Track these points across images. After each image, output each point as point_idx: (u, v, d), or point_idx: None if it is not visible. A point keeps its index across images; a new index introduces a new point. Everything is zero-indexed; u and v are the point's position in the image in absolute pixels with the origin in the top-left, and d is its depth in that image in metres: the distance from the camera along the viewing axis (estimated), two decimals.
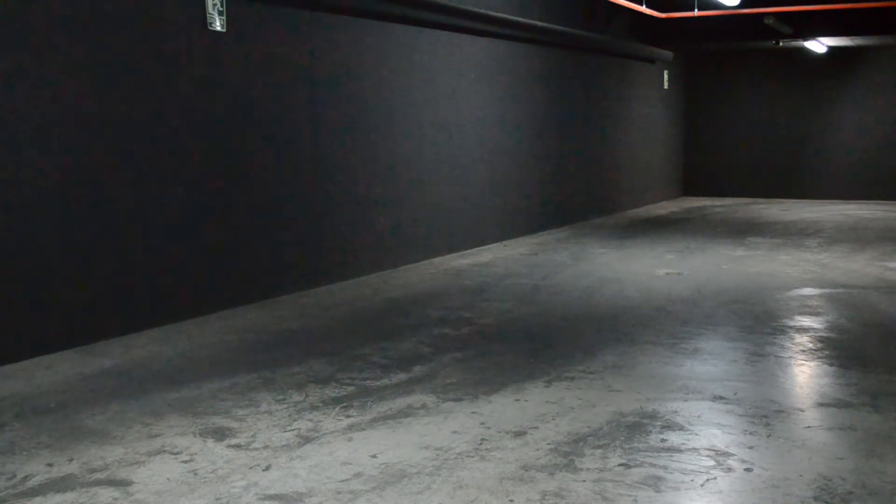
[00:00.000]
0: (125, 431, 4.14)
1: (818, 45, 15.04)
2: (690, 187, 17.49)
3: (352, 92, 8.07)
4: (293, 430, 4.13)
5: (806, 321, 6.36)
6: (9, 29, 5.25)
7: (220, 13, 6.59)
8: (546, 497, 3.36)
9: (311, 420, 4.27)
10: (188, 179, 6.48)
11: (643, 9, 12.62)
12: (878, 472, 3.57)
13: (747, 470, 3.60)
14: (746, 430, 4.06)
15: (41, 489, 3.49)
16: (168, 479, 3.58)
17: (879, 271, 8.43)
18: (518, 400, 4.55)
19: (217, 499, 3.38)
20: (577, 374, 5.02)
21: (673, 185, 17.01)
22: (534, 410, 4.38)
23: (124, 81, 5.96)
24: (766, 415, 4.28)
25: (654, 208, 15.16)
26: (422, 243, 9.21)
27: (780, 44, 14.50)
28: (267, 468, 3.67)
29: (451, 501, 3.33)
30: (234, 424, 4.22)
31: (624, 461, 3.70)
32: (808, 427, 4.15)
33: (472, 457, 3.77)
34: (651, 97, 15.57)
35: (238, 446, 3.93)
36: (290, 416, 4.34)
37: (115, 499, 3.40)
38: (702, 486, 3.46)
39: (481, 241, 10.29)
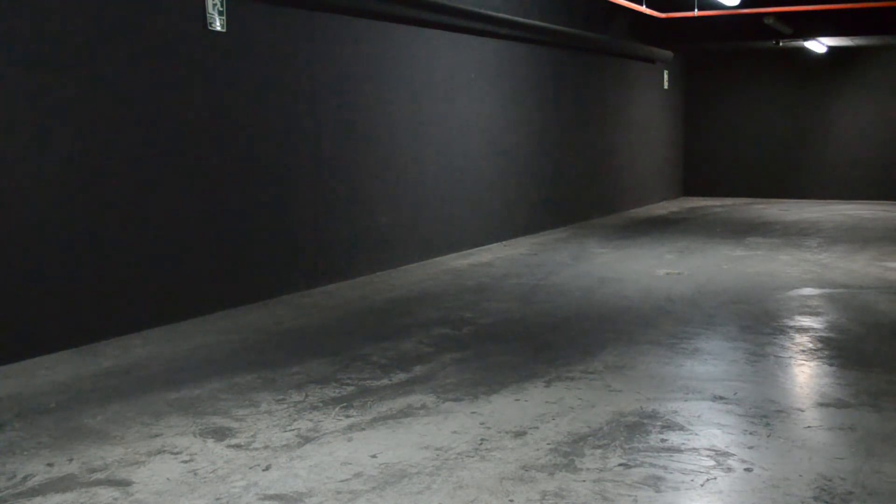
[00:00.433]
0: (125, 431, 4.14)
1: (818, 45, 15.04)
2: (690, 187, 17.49)
3: (352, 92, 8.07)
4: (293, 430, 4.14)
5: (806, 321, 6.36)
6: (9, 29, 5.25)
7: (220, 13, 6.59)
8: (546, 497, 3.36)
9: (311, 420, 4.27)
10: (188, 179, 6.48)
11: (643, 9, 12.62)
12: (877, 472, 3.57)
13: (747, 470, 3.60)
14: (746, 430, 4.07)
15: (41, 489, 3.49)
16: (168, 479, 3.58)
17: (879, 271, 8.43)
18: (518, 400, 4.55)
19: (217, 499, 3.38)
20: (577, 374, 5.02)
21: (673, 185, 17.01)
22: (534, 410, 4.38)
23: (124, 81, 5.95)
24: (766, 415, 4.28)
25: (654, 208, 15.16)
26: (422, 243, 9.21)
27: (780, 44, 14.50)
28: (267, 468, 3.67)
29: (451, 501, 3.33)
30: (234, 424, 4.22)
31: (624, 461, 3.70)
32: (808, 427, 4.15)
33: (472, 457, 3.77)
34: (651, 97, 15.57)
35: (238, 446, 3.93)
36: (290, 416, 4.34)
37: (115, 499, 3.40)
38: (702, 486, 3.46)
39: (481, 241, 10.29)
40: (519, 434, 4.04)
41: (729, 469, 3.62)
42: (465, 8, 9.01)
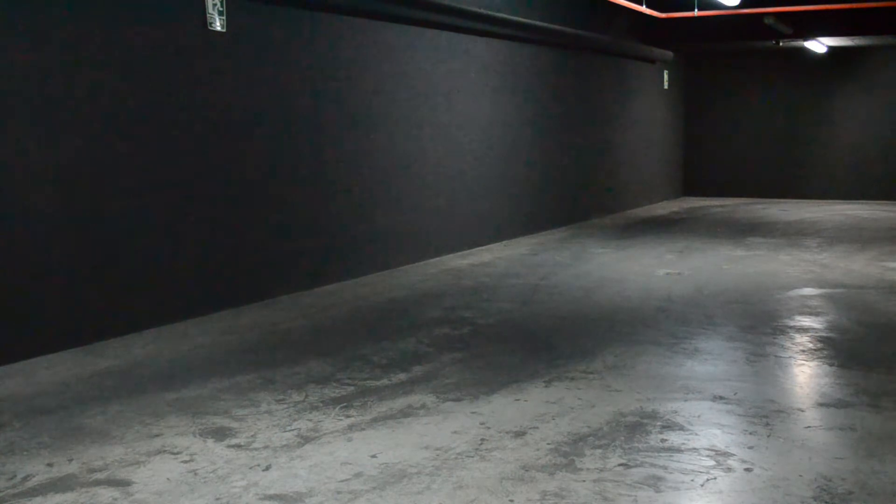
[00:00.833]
0: (125, 431, 4.14)
1: (818, 45, 15.04)
2: (690, 187, 17.49)
3: (352, 92, 8.07)
4: (293, 430, 4.14)
5: (806, 321, 6.36)
6: (9, 29, 5.25)
7: (220, 13, 6.59)
8: (546, 497, 3.36)
9: (311, 420, 4.27)
10: (188, 179, 6.48)
11: (643, 9, 12.62)
12: (877, 473, 3.57)
13: (747, 470, 3.60)
14: (746, 430, 4.07)
15: (41, 489, 3.49)
16: (168, 479, 3.58)
17: (879, 271, 8.43)
18: (518, 400, 4.55)
19: (217, 499, 3.38)
20: (576, 374, 5.02)
21: (673, 185, 17.01)
22: (534, 410, 4.38)
23: (124, 81, 5.95)
24: (766, 415, 4.28)
25: (654, 208, 15.16)
26: (422, 243, 9.21)
27: (780, 44, 14.50)
28: (267, 468, 3.67)
29: (451, 501, 3.33)
30: (234, 424, 4.22)
31: (624, 461, 3.70)
32: (808, 427, 4.15)
33: (472, 457, 3.77)
34: (651, 97, 15.57)
35: (238, 446, 3.93)
36: (290, 416, 4.34)
37: (115, 499, 3.40)
38: (702, 486, 3.46)
39: (481, 241, 10.29)
40: (519, 434, 4.04)
41: (729, 469, 3.62)
42: (465, 8, 9.01)
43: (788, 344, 5.72)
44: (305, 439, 4.00)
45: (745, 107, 17.01)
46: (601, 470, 3.61)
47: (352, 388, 4.79)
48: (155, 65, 6.17)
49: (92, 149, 5.77)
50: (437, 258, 9.38)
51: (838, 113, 16.44)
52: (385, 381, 4.91)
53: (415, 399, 4.58)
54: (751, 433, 4.03)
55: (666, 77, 16.13)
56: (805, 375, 5.07)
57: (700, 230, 11.92)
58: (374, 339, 5.88)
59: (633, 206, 14.96)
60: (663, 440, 3.94)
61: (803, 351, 5.53)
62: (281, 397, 4.63)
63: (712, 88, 17.24)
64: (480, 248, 10.17)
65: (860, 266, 8.73)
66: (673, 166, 16.96)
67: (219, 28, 6.59)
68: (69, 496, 3.43)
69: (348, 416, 4.31)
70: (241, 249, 6.97)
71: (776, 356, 5.41)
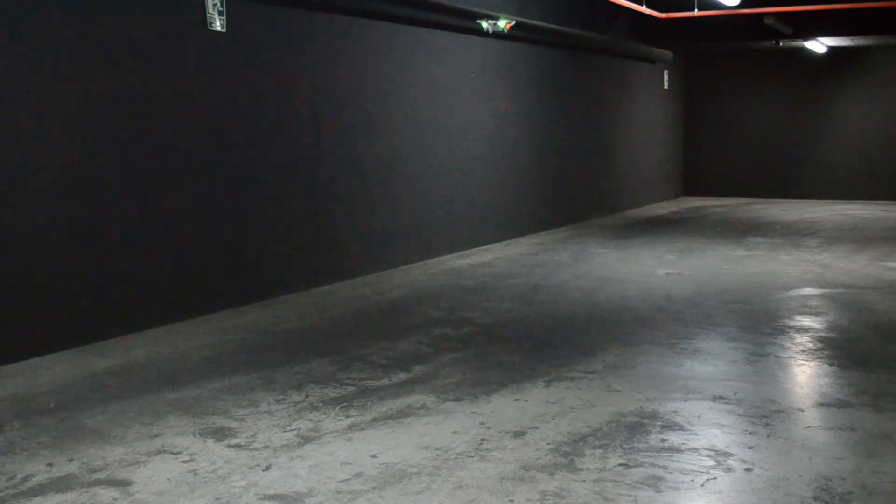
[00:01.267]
0: (125, 431, 4.14)
1: (818, 45, 15.04)
2: (690, 187, 17.49)
3: (351, 91, 8.07)
4: (293, 430, 4.14)
5: (806, 321, 6.36)
6: (9, 29, 5.25)
7: (220, 13, 6.59)
8: (546, 497, 3.36)
9: (311, 420, 4.27)
10: (187, 179, 6.48)
11: (643, 9, 12.61)
12: (877, 472, 3.57)
13: (747, 470, 3.60)
14: (746, 430, 4.07)
15: (41, 489, 3.49)
16: (168, 479, 3.58)
17: (879, 271, 8.43)
18: (518, 400, 4.55)
19: (217, 499, 3.38)
20: (577, 374, 5.02)
21: (673, 185, 17.01)
22: (534, 410, 4.38)
23: (124, 81, 5.95)
24: (766, 415, 4.28)
25: (654, 208, 15.16)
26: (422, 243, 9.21)
27: (780, 44, 14.50)
28: (267, 468, 3.67)
29: (451, 501, 3.33)
30: (234, 424, 4.22)
31: (624, 461, 3.70)
32: (808, 427, 4.15)
33: (472, 457, 3.77)
34: (651, 97, 15.57)
35: (238, 446, 3.93)
36: (290, 416, 4.34)
37: (115, 499, 3.40)
38: (702, 486, 3.46)
39: (481, 241, 10.29)
40: (519, 434, 4.04)
41: (729, 469, 3.62)
42: (465, 8, 9.01)
43: (788, 344, 5.72)
44: (305, 439, 4.00)
45: (745, 107, 17.01)
46: (601, 470, 3.61)
47: (352, 388, 4.79)
48: (155, 65, 6.17)
49: (91, 149, 5.77)
50: (437, 258, 9.38)
51: (838, 113, 16.44)
52: (385, 381, 4.91)
53: (415, 399, 4.58)
54: (751, 433, 4.03)
55: (666, 77, 16.13)
56: (805, 375, 5.07)
57: (700, 230, 11.92)
58: (374, 339, 5.88)
59: (633, 206, 14.96)
60: (663, 440, 3.94)
61: (803, 351, 5.53)
62: (281, 397, 4.63)
63: (712, 88, 17.23)
64: (480, 248, 10.17)
65: (860, 266, 8.73)
66: (673, 166, 16.96)
67: (219, 28, 6.59)
68: (69, 496, 3.43)
69: (348, 416, 4.31)
70: (241, 249, 6.97)
71: (776, 356, 5.41)
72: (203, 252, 6.63)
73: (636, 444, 3.89)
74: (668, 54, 14.91)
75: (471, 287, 7.79)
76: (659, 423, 4.16)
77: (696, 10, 12.98)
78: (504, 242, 10.63)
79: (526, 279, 8.16)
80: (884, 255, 9.42)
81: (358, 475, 3.59)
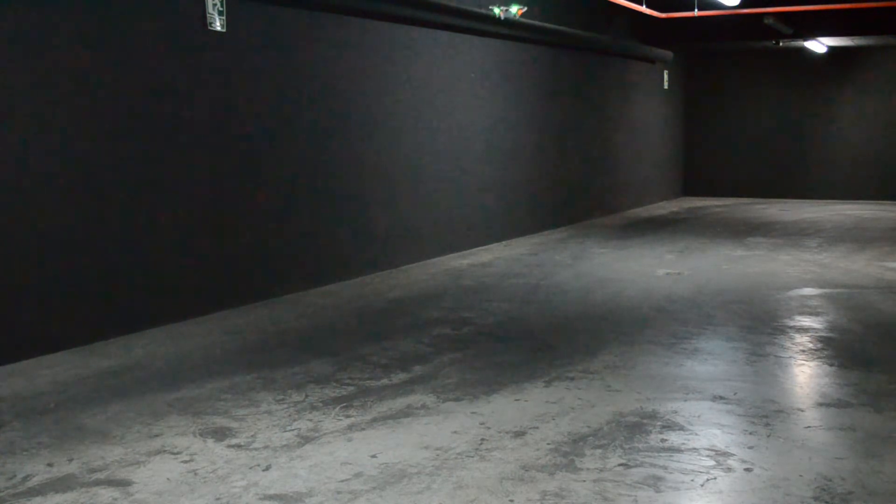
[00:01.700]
0: (125, 431, 4.14)
1: (818, 45, 15.04)
2: (690, 187, 17.49)
3: (352, 92, 8.07)
4: (293, 430, 4.14)
5: (806, 321, 6.36)
6: (9, 29, 5.25)
7: (220, 13, 6.59)
8: (546, 497, 3.36)
9: (311, 420, 4.27)
10: (188, 179, 6.48)
11: (643, 9, 12.61)
12: (877, 472, 3.57)
13: (747, 470, 3.60)
14: (746, 430, 4.07)
15: (41, 489, 3.49)
16: (168, 479, 3.58)
17: (879, 271, 8.43)
18: (518, 400, 4.55)
19: (217, 499, 3.38)
20: (577, 374, 5.02)
21: (673, 185, 17.01)
22: (534, 410, 4.38)
23: (124, 81, 5.95)
24: (766, 415, 4.28)
25: (654, 208, 15.16)
26: (422, 243, 9.21)
27: (780, 44, 14.50)
28: (267, 468, 3.67)
29: (451, 501, 3.33)
30: (234, 424, 4.22)
31: (624, 461, 3.70)
32: (808, 427, 4.15)
33: (472, 457, 3.77)
34: (651, 97, 15.57)
35: (238, 446, 3.93)
36: (290, 416, 4.34)
37: (115, 499, 3.40)
38: (702, 486, 3.46)
39: (481, 241, 10.29)
40: (519, 434, 4.04)
41: (729, 469, 3.62)
42: (465, 8, 9.01)
43: (788, 344, 5.72)
44: (305, 439, 4.00)
45: (745, 107, 17.01)
46: (601, 470, 3.61)
47: (352, 388, 4.79)
48: (155, 65, 6.17)
49: (92, 149, 5.77)
50: (437, 258, 9.38)
51: (838, 113, 16.44)
52: (385, 381, 4.91)
53: (415, 399, 4.58)
54: (751, 433, 4.03)
55: (666, 77, 16.13)
56: (805, 375, 5.07)
57: (700, 230, 11.92)
58: (374, 339, 5.88)
59: (633, 206, 14.96)
60: (663, 440, 3.94)
61: (803, 351, 5.53)
62: (281, 397, 4.63)
63: (712, 88, 17.23)
64: (480, 248, 10.17)
65: (860, 266, 8.73)
66: (673, 166, 16.96)
67: (219, 28, 6.59)
68: (69, 496, 3.43)
69: (348, 416, 4.31)
70: (242, 249, 6.97)
71: (776, 356, 5.41)
72: (203, 252, 6.63)
73: (636, 444, 3.89)
74: (667, 54, 14.91)
75: (471, 287, 7.79)
76: (659, 423, 4.16)
77: (696, 10, 12.97)
78: (504, 242, 10.63)
79: (526, 279, 8.16)
80: (884, 255, 9.42)
81: (358, 475, 3.59)
